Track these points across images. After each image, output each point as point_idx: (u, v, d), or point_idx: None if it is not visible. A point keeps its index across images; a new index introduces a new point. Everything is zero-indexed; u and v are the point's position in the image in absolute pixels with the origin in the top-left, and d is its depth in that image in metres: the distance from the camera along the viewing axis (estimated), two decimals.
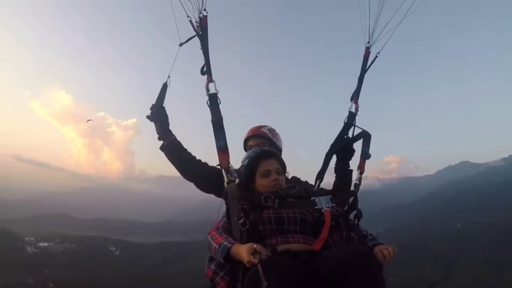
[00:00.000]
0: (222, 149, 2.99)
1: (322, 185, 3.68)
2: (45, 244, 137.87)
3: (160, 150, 3.59)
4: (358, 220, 3.08)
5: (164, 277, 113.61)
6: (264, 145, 3.88)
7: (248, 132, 4.12)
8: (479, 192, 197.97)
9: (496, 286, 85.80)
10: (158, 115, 3.46)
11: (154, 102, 3.48)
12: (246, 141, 4.08)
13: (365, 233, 3.06)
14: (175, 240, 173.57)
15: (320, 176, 3.70)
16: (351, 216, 3.13)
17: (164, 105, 3.51)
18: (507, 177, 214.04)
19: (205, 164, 3.70)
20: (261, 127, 4.08)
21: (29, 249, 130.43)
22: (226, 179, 2.94)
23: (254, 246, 2.36)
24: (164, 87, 3.48)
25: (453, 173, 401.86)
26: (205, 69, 3.16)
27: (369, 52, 3.72)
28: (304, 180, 3.86)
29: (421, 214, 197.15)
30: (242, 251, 2.40)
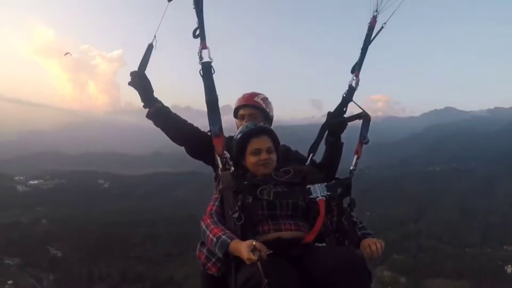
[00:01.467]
0: (217, 134, 2.90)
1: (315, 157, 3.63)
2: (35, 182, 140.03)
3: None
4: (351, 210, 3.04)
5: (154, 207, 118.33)
6: (256, 115, 3.74)
7: (240, 100, 3.86)
8: (461, 139, 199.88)
9: (464, 231, 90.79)
10: (140, 83, 3.21)
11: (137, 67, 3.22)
12: (237, 109, 3.84)
13: (355, 219, 3.06)
14: (162, 171, 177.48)
15: (314, 148, 3.63)
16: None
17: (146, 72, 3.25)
18: (489, 128, 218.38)
19: (196, 129, 3.52)
20: (254, 95, 3.84)
21: (20, 188, 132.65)
22: (220, 166, 2.90)
23: (254, 243, 2.36)
24: (149, 49, 3.20)
25: (438, 117, 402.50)
26: (198, 32, 2.96)
27: (376, 22, 3.51)
28: (294, 150, 3.80)
29: (402, 155, 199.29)
30: (242, 248, 2.39)
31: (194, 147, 3.51)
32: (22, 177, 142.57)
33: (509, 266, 71.62)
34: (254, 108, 3.78)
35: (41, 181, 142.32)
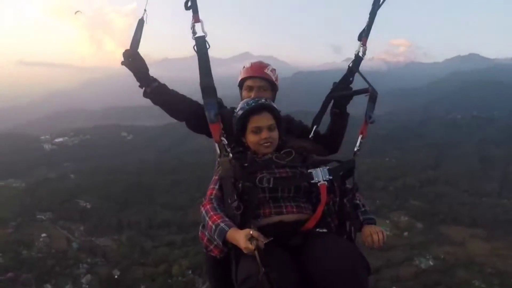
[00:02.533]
0: (213, 120, 2.76)
1: (319, 128, 3.58)
2: (61, 139, 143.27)
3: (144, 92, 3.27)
4: (354, 194, 2.93)
5: (177, 156, 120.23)
6: (265, 87, 3.56)
7: (248, 70, 3.64)
8: (484, 87, 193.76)
9: (482, 180, 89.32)
10: (134, 62, 3.07)
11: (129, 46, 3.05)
12: (244, 80, 3.63)
13: (357, 202, 2.97)
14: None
15: (317, 120, 3.59)
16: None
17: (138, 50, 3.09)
18: None
19: (195, 104, 3.42)
20: (264, 66, 3.65)
21: (46, 147, 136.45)
22: (218, 152, 2.80)
23: (251, 232, 2.34)
24: (140, 24, 3.02)
25: (461, 64, 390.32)
26: (190, 3, 2.80)
27: None
28: (298, 120, 3.72)
29: (424, 101, 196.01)
30: (239, 237, 2.36)
31: (194, 123, 3.46)
32: (47, 136, 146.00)
33: None
34: (264, 80, 3.58)
35: (66, 138, 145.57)
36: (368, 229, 2.76)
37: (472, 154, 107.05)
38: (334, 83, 3.49)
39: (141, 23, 3.01)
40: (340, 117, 3.51)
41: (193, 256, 54.62)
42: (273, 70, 3.67)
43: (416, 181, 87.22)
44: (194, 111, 3.34)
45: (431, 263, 56.01)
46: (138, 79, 3.16)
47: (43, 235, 64.89)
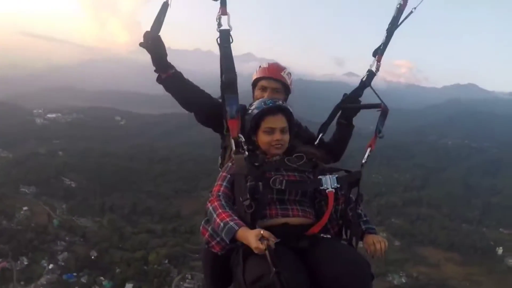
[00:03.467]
0: (233, 116, 2.71)
1: (324, 137, 3.65)
2: (53, 115, 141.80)
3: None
4: (359, 204, 3.01)
5: (169, 146, 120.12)
6: (279, 90, 3.59)
7: (265, 70, 3.65)
8: (479, 117, 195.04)
9: (464, 207, 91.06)
10: (153, 45, 3.02)
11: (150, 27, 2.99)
12: (259, 79, 3.64)
13: (360, 211, 3.02)
14: (179, 112, 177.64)
15: (324, 128, 3.64)
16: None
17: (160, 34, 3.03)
18: (509, 111, 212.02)
19: (208, 96, 3.42)
20: (281, 69, 3.66)
21: (38, 121, 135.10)
22: (234, 148, 2.75)
23: (262, 232, 2.34)
24: (164, 7, 2.96)
25: (459, 92, 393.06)
26: None
27: (406, 5, 3.36)
28: (304, 126, 3.72)
29: (418, 124, 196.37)
30: (250, 236, 2.36)
31: (205, 117, 3.44)
32: (40, 111, 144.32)
33: (501, 248, 72.73)
34: (279, 83, 3.61)
35: (59, 115, 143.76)
36: (371, 238, 2.84)
37: (457, 180, 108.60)
38: (345, 94, 3.60)
39: (165, 6, 2.94)
40: (346, 128, 3.63)
41: (171, 246, 55.37)
42: (289, 74, 3.71)
43: (399, 200, 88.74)
44: (207, 103, 3.36)
45: (403, 280, 57.20)
46: (155, 63, 3.13)
47: (25, 208, 65.18)
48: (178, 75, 3.24)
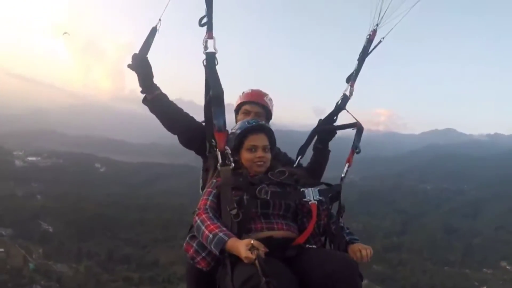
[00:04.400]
0: (221, 128, 2.79)
1: (302, 160, 3.72)
2: (33, 158, 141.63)
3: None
4: (341, 216, 3.08)
5: (147, 194, 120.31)
6: (261, 114, 3.73)
7: (249, 95, 3.79)
8: (457, 161, 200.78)
9: (446, 249, 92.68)
10: (141, 67, 3.15)
11: (138, 50, 3.13)
12: (242, 104, 3.77)
13: (342, 225, 3.10)
14: (158, 161, 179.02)
15: (302, 151, 3.71)
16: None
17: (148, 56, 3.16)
18: (487, 153, 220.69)
19: (192, 119, 3.49)
20: (263, 94, 3.80)
21: (17, 163, 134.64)
22: (220, 161, 2.82)
23: (252, 242, 2.37)
24: (153, 32, 3.12)
25: (437, 137, 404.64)
26: (205, 20, 2.86)
27: (375, 35, 3.57)
28: (283, 152, 3.80)
29: (397, 170, 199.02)
30: (240, 246, 2.38)
31: (188, 138, 3.47)
32: (20, 153, 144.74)
33: (485, 287, 73.23)
34: (262, 107, 3.75)
35: (39, 158, 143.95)
36: (356, 246, 2.92)
37: (437, 224, 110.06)
38: (320, 119, 3.74)
39: (153, 31, 3.09)
40: (322, 153, 3.71)
41: None
42: (271, 100, 3.84)
43: (380, 246, 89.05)
44: (190, 126, 3.43)
45: None
46: (142, 84, 3.20)
47: (1, 249, 64.31)
48: (164, 97, 3.32)
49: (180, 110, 3.47)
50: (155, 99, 3.29)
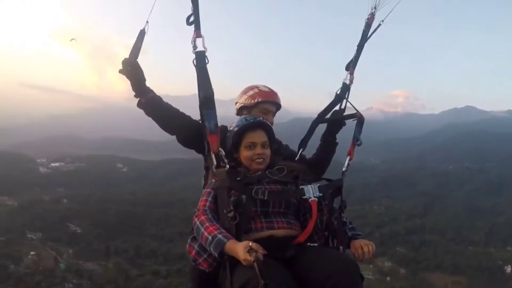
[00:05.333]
0: (213, 130, 2.76)
1: (304, 152, 3.71)
2: (57, 164, 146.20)
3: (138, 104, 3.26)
4: (342, 211, 3.05)
5: (170, 190, 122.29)
6: (274, 114, 3.68)
7: (267, 95, 3.63)
8: (478, 138, 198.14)
9: (469, 229, 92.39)
10: (132, 71, 3.10)
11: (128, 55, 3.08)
12: (261, 103, 3.60)
13: (345, 219, 3.07)
14: (178, 157, 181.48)
15: (304, 143, 3.71)
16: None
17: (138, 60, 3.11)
18: (508, 129, 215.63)
19: (188, 118, 3.43)
20: (275, 93, 3.69)
21: (42, 169, 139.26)
22: (215, 163, 2.77)
23: (250, 244, 2.35)
24: (141, 35, 3.08)
25: (457, 116, 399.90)
26: (192, 19, 2.82)
27: (374, 19, 3.50)
28: (284, 144, 3.78)
29: (418, 151, 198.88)
30: (238, 249, 2.37)
31: (185, 137, 3.45)
32: (44, 160, 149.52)
33: (509, 266, 73.36)
34: (277, 107, 3.71)
35: (62, 163, 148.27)
36: (358, 242, 2.88)
37: (460, 204, 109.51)
38: (320, 113, 3.72)
39: (142, 33, 3.08)
40: (330, 145, 3.67)
41: (176, 286, 56.95)
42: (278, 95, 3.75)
43: (402, 228, 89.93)
44: (186, 125, 3.38)
45: None
46: (134, 88, 3.19)
47: (32, 253, 67.47)
48: (158, 99, 3.29)
49: (175, 111, 3.44)
50: (148, 102, 3.27)
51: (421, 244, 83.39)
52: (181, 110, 3.47)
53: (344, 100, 3.66)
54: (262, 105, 3.63)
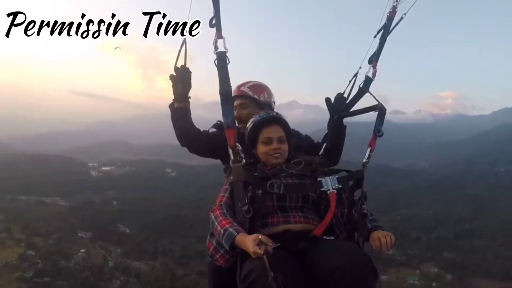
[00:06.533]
0: (230, 125, 2.81)
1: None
2: (107, 168, 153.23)
3: (169, 108, 3.51)
4: (362, 203, 3.01)
5: (216, 195, 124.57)
6: (245, 105, 3.76)
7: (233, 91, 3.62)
8: None
9: None
10: (185, 77, 3.37)
11: (176, 63, 3.33)
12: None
13: (365, 211, 3.03)
14: None
15: (327, 138, 3.69)
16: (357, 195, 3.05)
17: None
18: None
19: (203, 133, 3.59)
20: (242, 85, 3.82)
21: (93, 173, 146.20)
22: (232, 157, 2.82)
23: (260, 237, 2.37)
24: (183, 42, 3.31)
25: (509, 115, 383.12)
26: (214, 21, 2.89)
27: (395, 12, 3.48)
28: (305, 135, 3.85)
29: (468, 154, 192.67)
30: (248, 241, 2.40)
31: (200, 146, 3.61)
32: (95, 164, 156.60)
33: None
34: (243, 98, 3.79)
35: (113, 167, 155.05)
36: (375, 234, 2.83)
37: (511, 208, 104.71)
38: (336, 99, 3.68)
39: (183, 42, 3.30)
40: (341, 130, 3.67)
41: None
42: (253, 86, 3.84)
43: (450, 233, 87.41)
44: (202, 137, 3.55)
45: None
46: (181, 93, 3.40)
47: (82, 250, 70.81)
48: (188, 111, 3.50)
49: (194, 128, 3.57)
50: (181, 109, 3.46)
51: (469, 249, 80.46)
52: (197, 127, 3.60)
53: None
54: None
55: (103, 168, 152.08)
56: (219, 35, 2.84)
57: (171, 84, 3.41)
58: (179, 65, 3.34)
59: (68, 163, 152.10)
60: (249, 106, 3.72)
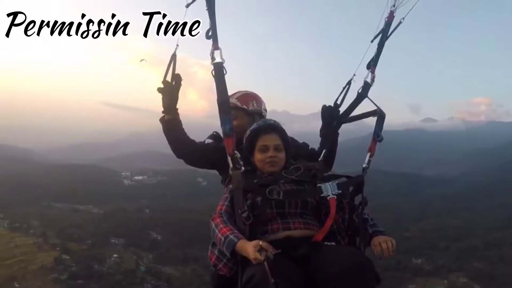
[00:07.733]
0: (228, 134, 2.84)
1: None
2: (140, 177, 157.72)
3: (161, 122, 3.60)
4: (363, 208, 3.04)
5: None
6: (235, 115, 3.72)
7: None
8: None
9: None
10: (171, 90, 3.45)
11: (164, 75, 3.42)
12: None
13: (366, 216, 3.07)
14: None
15: (326, 145, 3.70)
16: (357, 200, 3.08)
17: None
18: None
19: (198, 144, 3.73)
20: (229, 96, 3.52)
21: (126, 182, 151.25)
22: (231, 165, 2.86)
23: (260, 243, 2.40)
24: (172, 58, 3.41)
25: None
26: (210, 33, 2.95)
27: (393, 17, 3.52)
28: (301, 142, 3.85)
29: (501, 161, 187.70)
30: (249, 248, 2.44)
31: (195, 158, 3.76)
32: (128, 173, 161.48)
33: None
34: (232, 109, 3.62)
35: (145, 177, 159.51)
36: (377, 239, 2.88)
37: None
38: (335, 105, 3.73)
39: (173, 57, 3.41)
40: (335, 136, 3.72)
41: None
42: (241, 97, 3.86)
43: (481, 242, 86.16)
44: (197, 148, 3.71)
45: None
46: (169, 106, 3.53)
47: (115, 255, 74.40)
48: (178, 122, 3.61)
49: (187, 138, 3.71)
50: (170, 121, 3.57)
51: (499, 260, 78.47)
52: (191, 138, 3.76)
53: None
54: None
55: (136, 178, 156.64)
56: (215, 46, 2.92)
57: (161, 96, 3.52)
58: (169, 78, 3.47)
59: (101, 172, 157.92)
60: (238, 117, 3.76)
